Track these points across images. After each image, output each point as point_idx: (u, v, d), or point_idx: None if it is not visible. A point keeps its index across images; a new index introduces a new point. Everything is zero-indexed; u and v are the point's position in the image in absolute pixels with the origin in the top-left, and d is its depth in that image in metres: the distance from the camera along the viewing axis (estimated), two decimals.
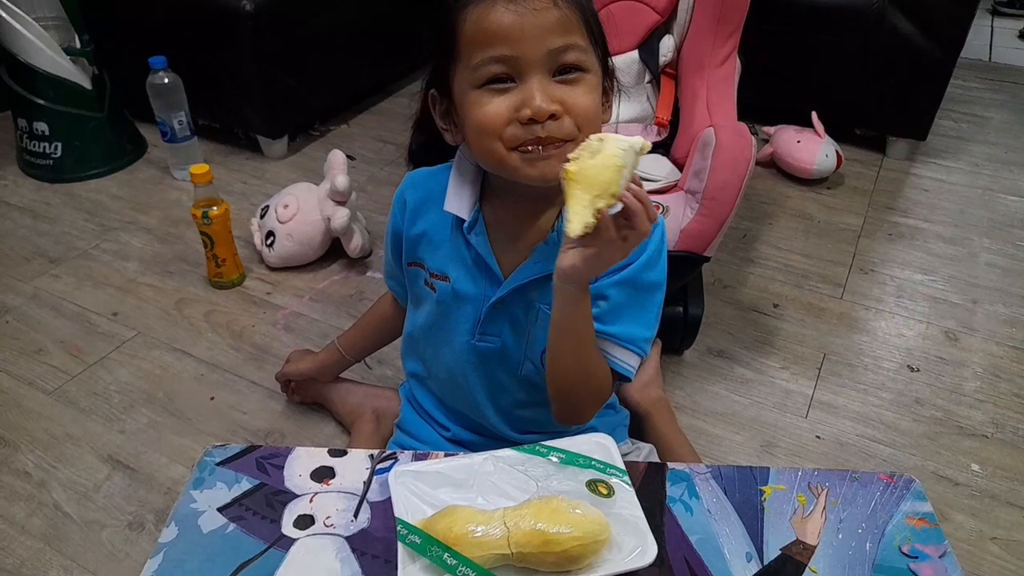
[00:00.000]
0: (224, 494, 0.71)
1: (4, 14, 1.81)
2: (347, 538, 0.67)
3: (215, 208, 1.53)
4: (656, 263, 0.79)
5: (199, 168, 1.51)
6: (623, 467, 0.70)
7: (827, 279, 1.69)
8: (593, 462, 0.71)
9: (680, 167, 1.40)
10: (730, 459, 1.26)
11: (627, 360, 0.81)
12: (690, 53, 1.43)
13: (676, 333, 1.42)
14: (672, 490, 0.71)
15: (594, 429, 0.79)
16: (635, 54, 1.46)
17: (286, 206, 1.66)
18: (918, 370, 1.45)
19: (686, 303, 1.39)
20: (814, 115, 2.02)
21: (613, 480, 0.69)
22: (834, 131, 2.04)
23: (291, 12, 1.98)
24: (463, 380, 0.91)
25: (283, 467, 0.74)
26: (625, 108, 1.46)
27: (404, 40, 2.36)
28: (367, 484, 0.71)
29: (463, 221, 0.81)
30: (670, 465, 0.74)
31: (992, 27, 3.13)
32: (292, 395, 1.34)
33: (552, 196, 0.80)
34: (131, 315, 1.56)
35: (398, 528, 0.63)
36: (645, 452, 1.06)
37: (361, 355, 1.26)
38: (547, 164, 0.71)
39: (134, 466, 1.23)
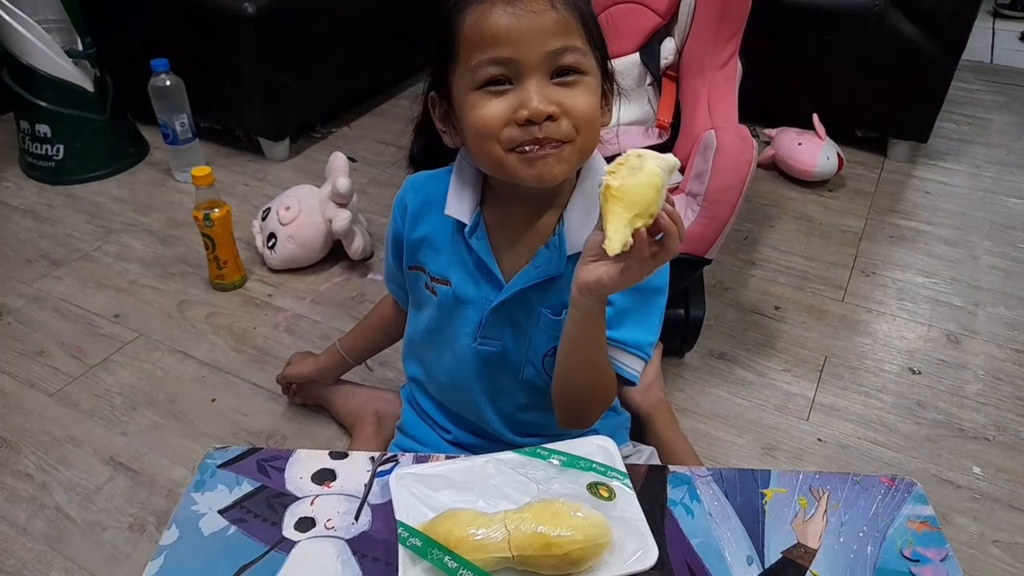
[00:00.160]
0: (225, 496, 0.71)
1: (7, 16, 1.82)
2: (348, 541, 0.67)
3: (216, 210, 1.53)
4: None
5: (201, 170, 1.52)
6: (624, 470, 0.70)
7: (828, 281, 1.69)
8: (594, 465, 0.71)
9: (681, 170, 1.40)
10: (731, 462, 1.26)
11: (632, 365, 0.81)
12: (691, 55, 1.43)
13: (677, 335, 1.42)
14: (673, 493, 0.71)
15: (595, 432, 0.79)
16: (636, 56, 1.46)
17: (287, 208, 1.66)
18: (919, 373, 1.45)
19: (687, 305, 1.39)
20: (815, 117, 2.02)
21: (614, 483, 0.69)
22: (835, 133, 2.04)
23: (293, 14, 1.98)
24: (464, 384, 0.90)
25: (284, 469, 0.74)
26: (626, 110, 1.46)
27: (405, 42, 2.36)
28: (368, 487, 0.71)
29: (464, 225, 0.81)
30: (671, 468, 0.74)
31: (993, 29, 3.13)
32: (293, 397, 1.34)
33: (552, 199, 0.80)
34: (133, 317, 1.56)
35: (399, 531, 0.63)
36: (646, 455, 1.06)
37: (362, 357, 1.26)
38: (545, 164, 0.71)
39: (135, 468, 1.23)
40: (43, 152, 1.99)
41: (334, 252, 1.72)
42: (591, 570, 0.61)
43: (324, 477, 0.73)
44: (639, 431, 1.22)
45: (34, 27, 1.84)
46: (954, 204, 1.99)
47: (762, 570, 0.64)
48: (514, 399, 0.91)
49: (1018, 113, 2.46)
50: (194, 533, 0.67)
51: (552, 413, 0.85)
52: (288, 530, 0.68)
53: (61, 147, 1.98)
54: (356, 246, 1.67)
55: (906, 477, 0.73)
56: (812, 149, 1.99)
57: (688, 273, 1.31)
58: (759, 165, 2.09)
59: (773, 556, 0.66)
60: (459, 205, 0.81)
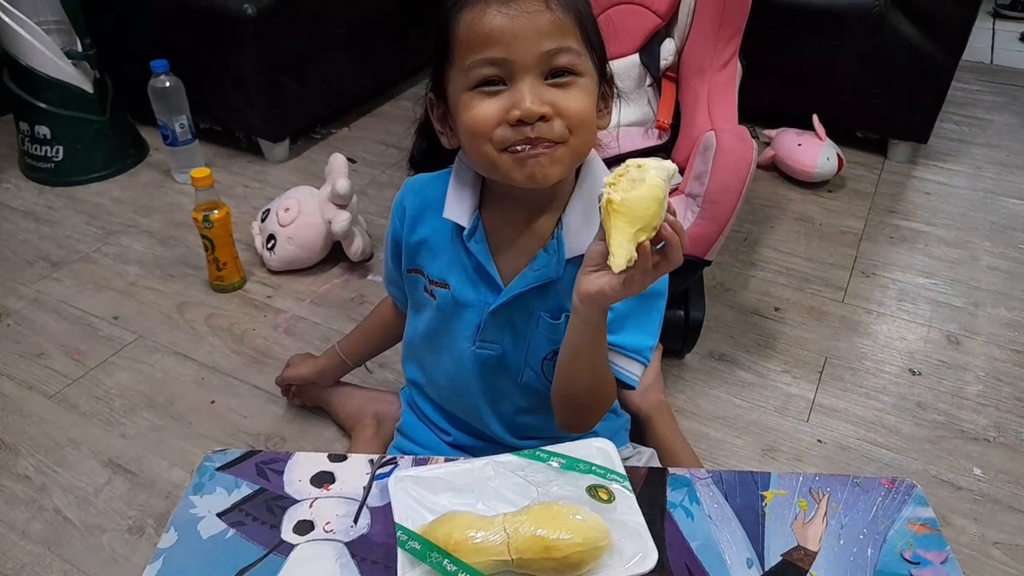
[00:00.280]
0: (224, 499, 0.71)
1: (6, 18, 1.81)
2: (347, 544, 0.66)
3: (216, 212, 1.53)
4: None
5: (200, 172, 1.51)
6: (624, 472, 0.70)
7: (828, 282, 1.69)
8: (593, 467, 0.71)
9: (681, 170, 1.40)
10: (731, 463, 1.26)
11: (631, 369, 0.81)
12: (691, 57, 1.43)
13: (677, 337, 1.42)
14: (673, 495, 0.71)
15: (595, 434, 0.79)
16: (636, 58, 1.45)
17: (287, 209, 1.66)
18: (920, 374, 1.45)
19: (687, 307, 1.39)
20: (815, 118, 2.02)
21: (614, 485, 0.69)
22: (835, 134, 2.04)
23: (292, 16, 1.98)
24: (463, 387, 0.90)
25: (283, 472, 0.74)
26: (626, 112, 1.46)
27: (405, 43, 2.36)
28: (367, 489, 0.71)
29: (462, 228, 0.81)
30: (671, 470, 0.74)
31: (993, 29, 3.13)
32: (293, 399, 1.34)
33: (550, 202, 0.80)
34: (132, 319, 1.56)
35: (398, 534, 0.63)
36: (646, 456, 1.05)
37: (362, 360, 1.26)
38: (537, 165, 0.70)
39: (134, 470, 1.23)
40: (43, 153, 1.99)
41: (334, 253, 1.72)
42: (590, 573, 0.61)
43: (323, 480, 0.73)
44: (639, 433, 1.22)
45: (34, 28, 1.84)
46: (954, 205, 1.99)
47: (762, 573, 0.64)
48: (513, 402, 0.90)
49: (1018, 114, 2.46)
50: (192, 536, 0.67)
51: (551, 416, 0.85)
52: (287, 533, 0.68)
53: (61, 148, 1.98)
54: (356, 247, 1.66)
55: (906, 479, 0.73)
56: (812, 150, 1.99)
57: (688, 274, 1.31)
58: (759, 166, 2.09)
59: (773, 559, 0.66)
60: (458, 208, 0.81)
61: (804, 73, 2.11)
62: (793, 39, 2.04)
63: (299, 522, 0.69)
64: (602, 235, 0.65)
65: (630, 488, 0.69)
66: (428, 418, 1.00)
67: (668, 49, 1.45)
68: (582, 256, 0.78)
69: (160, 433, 1.30)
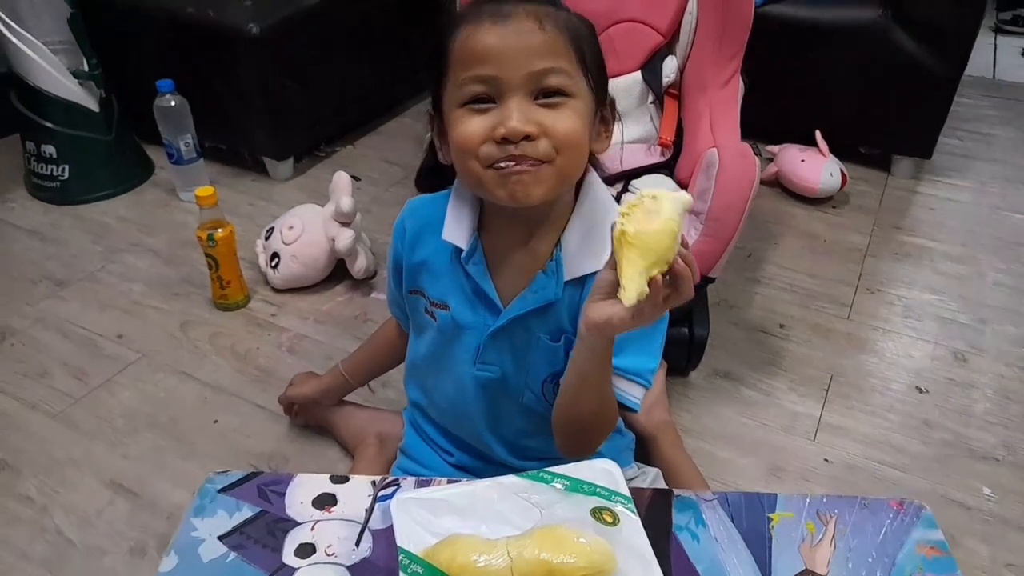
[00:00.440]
0: (225, 522, 0.70)
1: (13, 38, 1.83)
2: (348, 567, 0.66)
3: (220, 230, 1.54)
4: None
5: (204, 191, 1.52)
6: (628, 494, 0.69)
7: (833, 299, 1.68)
8: (598, 489, 0.70)
9: (684, 188, 1.40)
10: (737, 483, 1.24)
11: (633, 392, 0.80)
12: (693, 74, 1.43)
13: (681, 355, 1.41)
14: (678, 518, 0.70)
15: (599, 454, 0.78)
16: (638, 75, 1.46)
17: (291, 228, 1.66)
18: (927, 391, 1.43)
19: (691, 324, 1.39)
20: (818, 134, 2.02)
21: (618, 508, 0.68)
22: (838, 150, 2.04)
23: (297, 34, 1.99)
24: (464, 409, 0.90)
25: (284, 494, 0.73)
26: (629, 129, 1.46)
27: (410, 61, 2.37)
28: (369, 512, 0.70)
29: (461, 250, 0.81)
30: (676, 492, 0.73)
31: (995, 44, 3.13)
32: (295, 418, 1.34)
33: (549, 223, 0.79)
34: (136, 338, 1.56)
35: (400, 558, 0.62)
36: (651, 476, 1.05)
37: (365, 380, 1.26)
38: (519, 183, 0.70)
39: (137, 491, 1.22)
40: (49, 172, 2.00)
41: (337, 271, 1.72)
42: None
43: (325, 502, 0.72)
44: (644, 452, 1.21)
45: (40, 49, 1.86)
46: (959, 220, 1.98)
47: None
48: (514, 425, 0.90)
49: (1022, 128, 2.45)
50: (193, 560, 0.66)
51: (553, 438, 0.84)
52: (288, 556, 0.67)
53: (67, 167, 1.99)
54: (359, 265, 1.66)
55: (915, 501, 0.72)
56: (815, 166, 1.99)
57: None
58: (762, 182, 2.09)
59: None
60: (456, 230, 0.81)
61: (806, 89, 2.11)
62: (795, 55, 2.04)
63: (300, 545, 0.68)
64: (612, 264, 0.64)
65: (635, 510, 0.68)
66: (431, 438, 1.00)
67: (670, 67, 1.45)
68: (581, 278, 0.78)
69: (162, 453, 1.30)
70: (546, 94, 0.70)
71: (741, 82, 1.42)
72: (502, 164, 0.70)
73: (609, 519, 0.66)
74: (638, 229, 0.60)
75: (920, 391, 1.44)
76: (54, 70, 1.89)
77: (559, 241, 0.79)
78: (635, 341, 0.79)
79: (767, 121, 2.04)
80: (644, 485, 1.02)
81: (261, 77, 1.97)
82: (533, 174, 0.70)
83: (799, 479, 1.26)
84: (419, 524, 0.67)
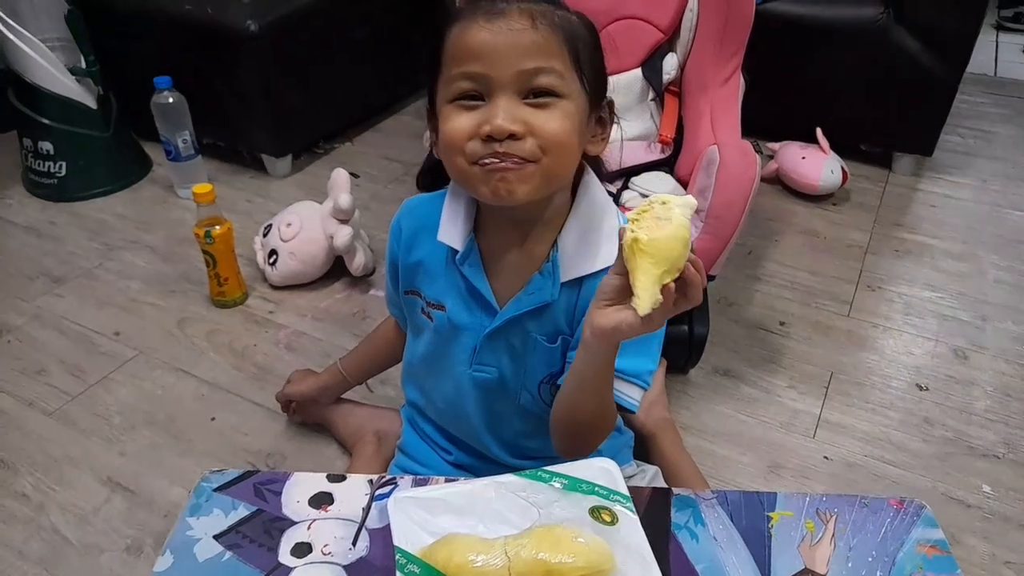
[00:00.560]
0: (221, 521, 0.69)
1: (11, 35, 1.82)
2: (345, 567, 0.65)
3: (218, 227, 1.53)
4: None
5: (202, 188, 1.51)
6: (627, 493, 0.69)
7: (834, 296, 1.68)
8: (596, 488, 0.69)
9: (684, 185, 1.39)
10: (737, 480, 1.24)
11: (631, 394, 0.79)
12: (694, 71, 1.42)
13: (681, 352, 1.40)
14: (677, 517, 0.70)
15: (598, 452, 0.78)
16: (638, 72, 1.45)
17: (289, 224, 1.65)
18: (927, 389, 1.43)
19: (691, 322, 1.38)
20: (819, 131, 2.02)
21: (617, 507, 0.67)
22: (839, 147, 2.03)
23: (295, 31, 1.98)
24: (462, 410, 0.89)
25: (281, 493, 0.72)
26: (629, 126, 1.45)
27: (409, 58, 2.37)
28: (366, 511, 0.70)
29: (457, 251, 0.80)
30: (675, 491, 0.73)
31: (997, 42, 3.12)
32: (293, 415, 1.33)
33: (545, 224, 0.78)
34: (133, 335, 1.55)
35: (397, 557, 0.62)
36: (650, 475, 1.04)
37: (363, 378, 1.25)
38: (503, 181, 0.69)
39: (133, 488, 1.22)
40: (46, 169, 1.99)
41: (336, 268, 1.71)
42: None
43: (321, 501, 0.72)
44: (643, 450, 1.20)
45: (38, 45, 1.85)
46: (960, 218, 1.97)
47: None
48: (512, 426, 0.89)
49: (1023, 126, 2.45)
50: (189, 559, 0.66)
51: (551, 439, 0.83)
52: (284, 556, 0.66)
53: (64, 164, 1.98)
54: (358, 262, 1.66)
55: (915, 500, 0.71)
56: (816, 163, 1.99)
57: None
58: (762, 179, 2.08)
59: None
60: (452, 231, 0.80)
61: (808, 87, 2.10)
62: (796, 53, 2.03)
63: (297, 544, 0.67)
64: (617, 269, 0.63)
65: (634, 509, 0.67)
66: (429, 437, 0.99)
67: (671, 63, 1.44)
68: (578, 280, 0.78)
69: (160, 451, 1.29)
70: (536, 94, 0.69)
71: (742, 79, 1.41)
72: (487, 161, 0.69)
73: (608, 518, 0.66)
74: (651, 236, 0.59)
75: (920, 388, 1.43)
76: (52, 67, 1.88)
77: (556, 242, 0.79)
78: (634, 343, 0.78)
79: (768, 118, 2.02)
80: (643, 483, 1.02)
81: (259, 74, 1.96)
82: (517, 172, 0.69)
83: (799, 477, 1.25)
84: (416, 523, 0.66)
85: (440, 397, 0.92)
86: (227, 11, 1.89)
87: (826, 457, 1.29)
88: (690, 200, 0.61)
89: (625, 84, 1.44)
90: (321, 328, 1.57)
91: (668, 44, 1.46)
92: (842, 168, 1.99)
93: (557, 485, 0.69)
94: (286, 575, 0.64)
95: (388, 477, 0.73)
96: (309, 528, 0.69)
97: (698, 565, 0.65)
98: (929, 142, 2.07)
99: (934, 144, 2.08)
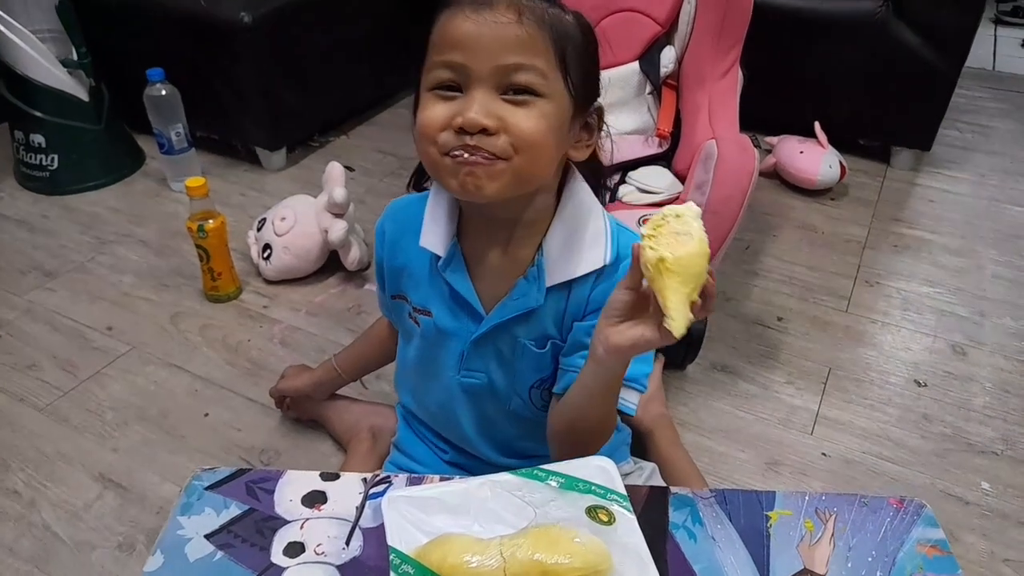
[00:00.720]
0: (212, 520, 0.68)
1: (1, 27, 1.80)
2: (338, 567, 0.64)
3: (211, 221, 1.51)
4: None
5: (194, 181, 1.50)
6: (624, 492, 0.68)
7: (832, 292, 1.67)
8: (593, 487, 0.68)
9: (682, 179, 1.38)
10: (734, 477, 1.23)
11: (629, 398, 0.79)
12: (691, 64, 1.41)
13: (679, 348, 1.39)
14: (675, 516, 0.69)
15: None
16: (635, 65, 1.44)
17: (283, 219, 1.64)
18: (925, 385, 1.42)
19: None
20: (817, 125, 2.01)
21: (614, 507, 0.66)
22: (837, 141, 2.02)
23: (290, 24, 1.96)
24: (453, 415, 0.88)
25: (273, 491, 0.71)
26: (626, 119, 1.44)
27: (405, 51, 2.35)
28: (359, 510, 0.69)
29: (440, 257, 0.79)
30: (673, 490, 0.72)
31: (995, 36, 3.11)
32: (287, 411, 1.32)
33: (529, 226, 0.77)
34: (126, 329, 1.54)
35: (391, 557, 0.61)
36: (647, 472, 1.03)
37: (357, 375, 1.24)
38: (471, 176, 0.67)
39: (126, 485, 1.21)
40: (38, 162, 1.97)
41: (330, 263, 1.70)
42: None
43: (315, 499, 0.71)
44: (640, 447, 1.20)
45: (29, 37, 1.83)
46: (958, 213, 1.97)
47: None
48: (504, 430, 0.88)
49: (1021, 121, 2.44)
50: (180, 559, 0.65)
51: (544, 440, 0.82)
52: (277, 556, 0.65)
53: (56, 157, 1.96)
54: (352, 257, 1.65)
55: (915, 499, 0.70)
56: (814, 157, 1.98)
57: None
58: (760, 173, 2.07)
59: None
60: (433, 236, 0.79)
61: (806, 80, 2.09)
62: (795, 47, 2.02)
63: (289, 544, 0.66)
64: (629, 284, 0.62)
65: (631, 509, 0.66)
66: (425, 435, 0.98)
67: (668, 57, 1.43)
68: (564, 284, 0.77)
69: (152, 447, 1.28)
70: (515, 90, 0.67)
71: (740, 73, 1.40)
72: (457, 153, 0.67)
73: (604, 518, 0.65)
74: (676, 255, 0.58)
75: (919, 385, 1.43)
76: (43, 59, 1.86)
77: (541, 246, 0.77)
78: None
79: (766, 112, 2.01)
80: (640, 480, 1.01)
81: (253, 66, 1.94)
82: (486, 168, 0.67)
83: (797, 473, 1.25)
84: (410, 523, 0.65)
85: (432, 401, 0.91)
86: (220, 2, 1.87)
87: (824, 454, 1.28)
88: (694, 206, 0.61)
89: (622, 77, 1.42)
90: (316, 323, 1.56)
91: (666, 37, 1.45)
92: (840, 162, 1.98)
93: (553, 484, 0.68)
94: (278, 575, 0.63)
95: (382, 476, 0.72)
96: (302, 527, 0.68)
97: (696, 565, 0.65)
98: (928, 137, 2.07)
99: (932, 139, 2.07)
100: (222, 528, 0.68)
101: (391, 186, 2.04)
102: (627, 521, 0.65)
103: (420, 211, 0.81)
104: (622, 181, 1.41)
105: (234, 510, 0.69)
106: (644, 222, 0.64)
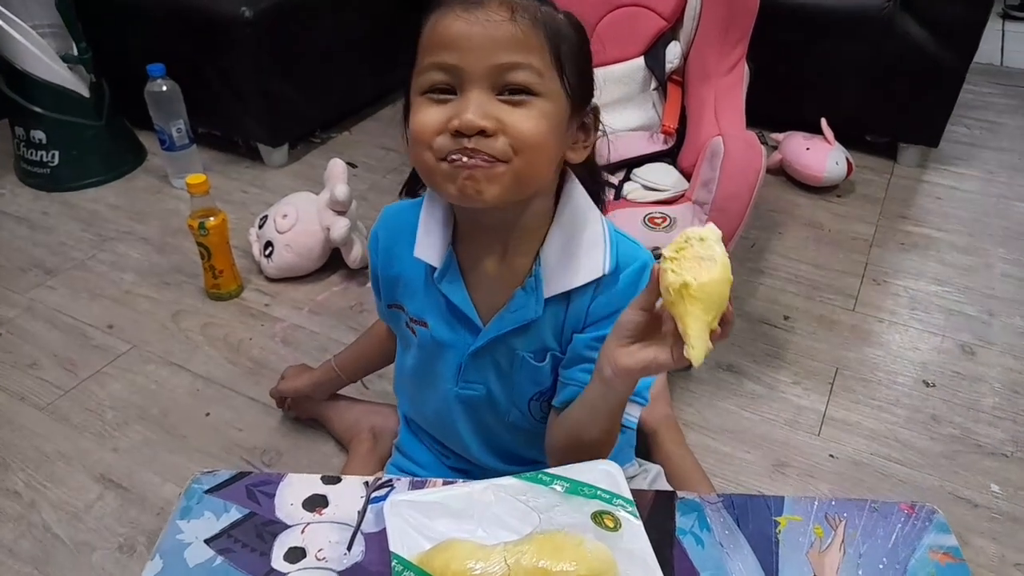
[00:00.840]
0: (212, 524, 0.67)
1: (1, 22, 1.79)
2: (340, 573, 0.63)
3: (212, 218, 1.50)
4: None
5: (195, 178, 1.49)
6: (630, 496, 0.67)
7: (839, 290, 1.65)
8: (599, 491, 0.67)
9: (687, 176, 1.37)
10: (740, 478, 1.22)
11: (631, 412, 0.78)
12: (697, 60, 1.40)
13: None
14: (682, 521, 0.68)
15: None
16: (640, 61, 1.42)
17: (285, 216, 1.63)
18: (934, 385, 1.41)
19: None
20: (823, 122, 1.99)
21: (620, 512, 0.65)
22: (844, 138, 2.00)
23: (291, 19, 1.95)
24: (451, 425, 0.87)
25: (274, 495, 0.70)
26: (631, 115, 1.43)
27: (407, 46, 2.33)
28: (361, 514, 0.68)
29: (435, 268, 0.77)
30: (679, 494, 0.71)
31: (1003, 31, 3.09)
32: (288, 411, 1.31)
33: (525, 234, 0.75)
34: (126, 328, 1.53)
35: (393, 564, 0.60)
36: (652, 474, 1.02)
37: (357, 376, 1.23)
38: (470, 180, 0.65)
39: (126, 485, 1.20)
40: (38, 159, 1.96)
41: (332, 261, 1.69)
42: None
43: (316, 503, 0.69)
44: (645, 448, 1.18)
45: (29, 32, 1.82)
46: (966, 210, 1.95)
47: None
48: (503, 441, 0.87)
49: None
50: (179, 564, 0.64)
51: (543, 450, 0.81)
52: (277, 561, 0.64)
53: (57, 153, 1.95)
54: (355, 254, 1.63)
55: (926, 504, 0.69)
56: (821, 154, 1.96)
57: None
58: (767, 170, 2.06)
59: None
60: (428, 246, 0.76)
61: (812, 77, 2.08)
62: (801, 42, 2.00)
63: (290, 549, 0.65)
64: (642, 304, 0.61)
65: (637, 514, 0.65)
66: (426, 439, 0.97)
67: (674, 52, 1.42)
68: (563, 295, 0.75)
69: (153, 447, 1.27)
70: (511, 90, 0.65)
71: (746, 69, 1.39)
72: (454, 157, 0.65)
73: (610, 524, 0.64)
74: (700, 281, 0.56)
75: (927, 385, 1.41)
76: (43, 54, 1.85)
77: (538, 255, 0.75)
78: None
79: (772, 108, 2.00)
80: (645, 482, 1.00)
81: (254, 62, 1.93)
82: (486, 172, 0.65)
83: (803, 475, 1.23)
84: (413, 528, 0.64)
85: (430, 410, 0.90)
86: None
87: (831, 455, 1.27)
88: (719, 232, 0.59)
89: (627, 73, 1.41)
90: (318, 321, 1.55)
91: (671, 32, 1.43)
92: (847, 159, 1.96)
93: (558, 488, 0.67)
94: None
95: (384, 479, 0.71)
96: (303, 532, 0.67)
97: (703, 572, 0.63)
98: (935, 133, 2.05)
99: (940, 135, 2.05)
100: (222, 532, 0.67)
101: (394, 182, 2.02)
102: (633, 527, 0.64)
103: (414, 218, 0.78)
104: (627, 178, 1.40)
105: (234, 514, 0.68)
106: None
